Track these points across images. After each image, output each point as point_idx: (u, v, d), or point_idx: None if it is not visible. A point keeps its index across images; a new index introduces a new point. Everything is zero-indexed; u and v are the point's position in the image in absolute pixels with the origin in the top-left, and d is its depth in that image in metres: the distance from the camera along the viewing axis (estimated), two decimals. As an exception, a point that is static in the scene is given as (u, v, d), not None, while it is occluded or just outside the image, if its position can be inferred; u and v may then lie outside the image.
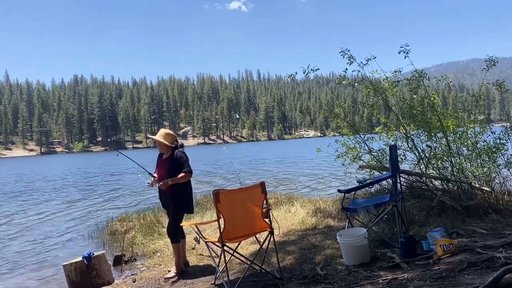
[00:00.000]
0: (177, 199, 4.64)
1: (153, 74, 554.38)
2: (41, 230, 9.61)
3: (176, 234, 4.69)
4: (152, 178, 4.81)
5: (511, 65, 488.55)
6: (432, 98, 6.53)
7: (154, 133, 4.94)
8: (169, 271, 4.76)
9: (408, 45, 6.39)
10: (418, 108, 6.55)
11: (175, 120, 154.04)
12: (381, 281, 3.50)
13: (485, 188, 6.00)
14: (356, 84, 7.36)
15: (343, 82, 7.31)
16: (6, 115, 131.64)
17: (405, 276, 3.52)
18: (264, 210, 4.07)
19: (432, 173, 6.52)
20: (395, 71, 6.65)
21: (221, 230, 3.79)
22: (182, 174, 4.57)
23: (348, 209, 4.91)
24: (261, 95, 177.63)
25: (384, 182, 6.47)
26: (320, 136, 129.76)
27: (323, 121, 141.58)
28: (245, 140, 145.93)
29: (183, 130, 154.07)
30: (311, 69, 6.63)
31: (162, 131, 4.85)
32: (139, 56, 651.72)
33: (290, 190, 13.51)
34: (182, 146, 4.87)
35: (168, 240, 6.24)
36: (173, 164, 4.65)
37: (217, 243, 4.01)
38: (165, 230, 6.82)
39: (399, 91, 6.98)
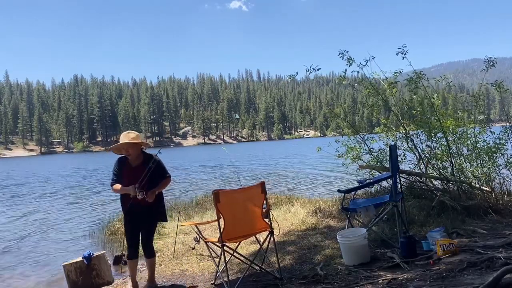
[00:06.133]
0: (157, 210, 4.21)
1: (153, 74, 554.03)
2: (41, 230, 9.60)
3: (152, 247, 4.33)
4: (142, 191, 3.97)
5: (511, 65, 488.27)
6: (432, 99, 6.52)
7: (117, 142, 4.27)
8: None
9: (405, 46, 6.39)
10: (418, 109, 6.56)
11: (175, 120, 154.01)
12: (381, 281, 3.50)
13: (485, 188, 6.00)
14: (356, 84, 7.39)
15: (343, 82, 7.33)
16: (6, 115, 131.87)
17: (405, 276, 3.52)
18: (264, 210, 4.08)
19: (432, 173, 6.52)
20: (395, 73, 6.66)
21: (221, 230, 3.79)
22: (165, 181, 4.17)
23: (348, 209, 4.91)
24: (261, 95, 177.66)
25: (384, 182, 6.48)
26: (320, 136, 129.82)
27: (323, 121, 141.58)
28: (245, 140, 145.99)
29: (183, 130, 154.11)
30: (313, 69, 6.77)
31: (129, 134, 4.13)
32: (139, 56, 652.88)
33: (290, 190, 13.51)
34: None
35: (168, 240, 6.28)
36: (153, 171, 4.04)
37: (217, 243, 4.01)
38: (165, 230, 6.85)
39: (399, 91, 6.99)
